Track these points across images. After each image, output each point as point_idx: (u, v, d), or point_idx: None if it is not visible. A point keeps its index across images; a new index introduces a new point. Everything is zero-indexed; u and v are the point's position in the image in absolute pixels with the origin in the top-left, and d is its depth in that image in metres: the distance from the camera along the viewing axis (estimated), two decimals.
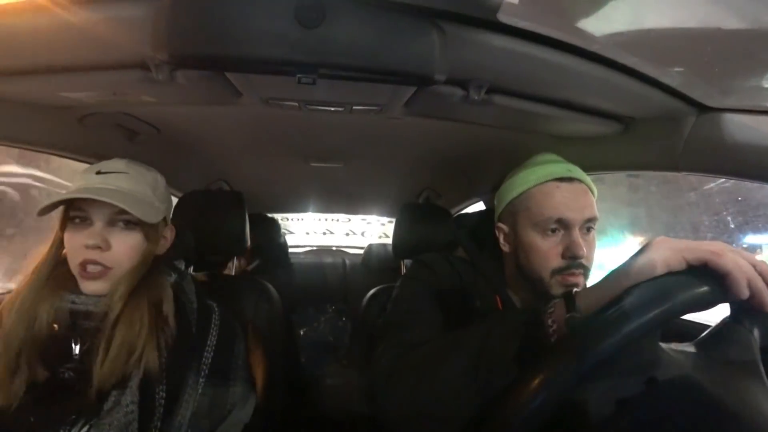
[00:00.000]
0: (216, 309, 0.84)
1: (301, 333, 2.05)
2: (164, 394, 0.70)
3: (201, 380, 0.75)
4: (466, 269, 0.87)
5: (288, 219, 3.08)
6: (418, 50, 0.62)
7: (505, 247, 0.85)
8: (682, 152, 0.83)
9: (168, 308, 0.74)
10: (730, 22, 0.56)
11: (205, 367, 0.76)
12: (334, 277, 2.47)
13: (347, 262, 2.57)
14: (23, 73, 0.77)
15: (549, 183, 0.78)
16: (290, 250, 2.50)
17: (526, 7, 0.57)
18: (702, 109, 0.80)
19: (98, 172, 0.76)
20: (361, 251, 2.68)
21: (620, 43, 0.63)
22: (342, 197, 2.32)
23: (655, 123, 0.88)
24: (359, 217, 3.06)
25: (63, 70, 0.77)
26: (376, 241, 2.76)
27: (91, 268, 0.71)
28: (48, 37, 0.66)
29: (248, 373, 0.85)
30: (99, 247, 0.71)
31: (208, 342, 0.79)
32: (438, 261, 0.88)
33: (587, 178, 0.81)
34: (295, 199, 2.40)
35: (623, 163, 1.04)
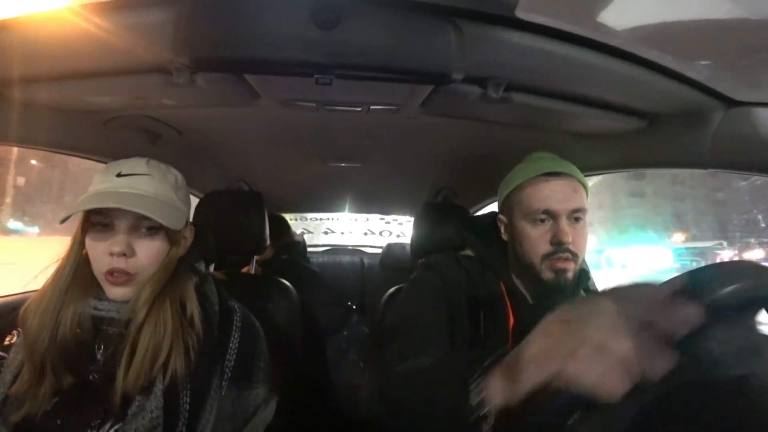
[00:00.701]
0: (237, 310, 0.83)
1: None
2: (189, 399, 0.69)
3: (224, 383, 0.74)
4: (472, 264, 0.92)
5: (306, 218, 3.11)
6: (435, 49, 0.62)
7: (505, 237, 0.92)
8: (710, 149, 0.80)
9: (193, 310, 0.74)
10: (759, 11, 0.54)
11: (227, 370, 0.76)
12: (352, 277, 2.48)
13: (365, 261, 2.57)
14: (51, 79, 0.80)
15: (538, 177, 0.85)
16: (309, 249, 2.50)
17: (545, 2, 0.56)
18: (730, 103, 0.77)
19: (119, 174, 0.73)
20: (379, 251, 2.68)
21: (642, 37, 0.61)
22: (360, 197, 2.33)
23: (681, 119, 0.86)
24: (377, 216, 3.07)
25: (88, 76, 0.79)
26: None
27: (117, 275, 0.70)
28: (74, 44, 0.68)
29: (270, 373, 0.83)
30: (124, 254, 0.69)
31: (231, 345, 0.78)
32: (444, 261, 0.94)
33: (579, 174, 0.87)
34: (313, 199, 2.41)
35: (647, 161, 1.02)
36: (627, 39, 0.62)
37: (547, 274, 0.82)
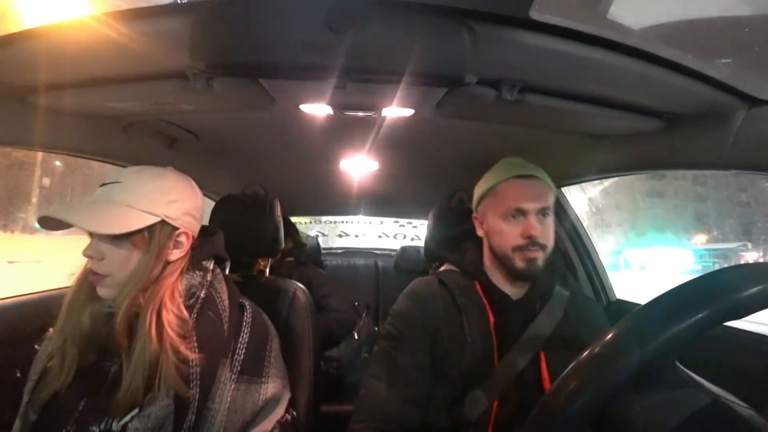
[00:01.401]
0: (248, 308, 0.86)
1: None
2: (198, 390, 0.73)
3: (233, 377, 0.78)
4: (452, 277, 1.01)
5: (321, 221, 3.12)
6: (449, 51, 0.62)
7: (480, 232, 1.01)
8: (731, 149, 0.78)
9: (178, 310, 0.76)
10: None
11: (237, 364, 0.79)
12: (366, 280, 2.48)
13: (379, 264, 2.57)
14: (74, 85, 0.82)
15: (511, 179, 0.94)
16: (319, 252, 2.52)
17: (559, 2, 0.56)
18: (752, 102, 0.75)
19: (102, 184, 0.78)
20: (393, 253, 2.68)
21: (660, 35, 0.60)
22: (374, 200, 2.33)
23: (701, 118, 0.84)
24: (391, 220, 3.07)
25: (109, 82, 0.81)
26: None
27: (92, 275, 0.75)
28: (96, 51, 0.70)
29: (282, 370, 0.86)
30: (92, 257, 0.74)
31: (240, 340, 0.81)
32: (422, 286, 1.03)
33: (546, 177, 0.96)
34: (328, 202, 2.43)
35: (666, 162, 1.00)
36: (644, 38, 0.61)
37: (520, 264, 0.91)
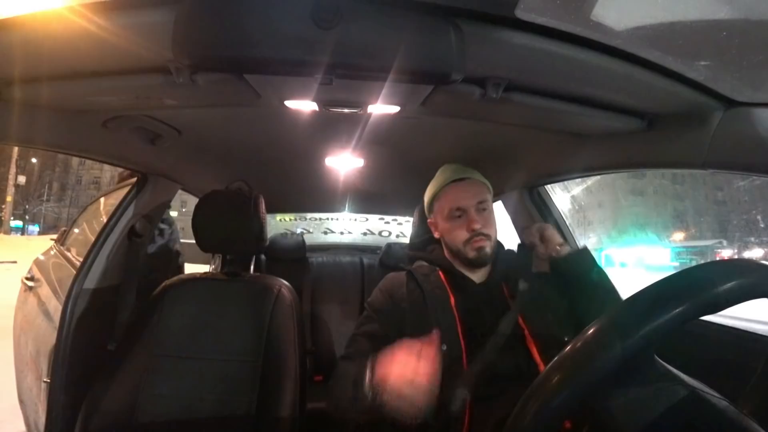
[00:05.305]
0: None
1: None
2: None
3: None
4: (417, 268, 1.14)
5: (306, 218, 3.10)
6: (435, 49, 0.62)
7: (436, 234, 1.17)
8: (709, 149, 0.80)
9: None
10: (759, 11, 0.54)
11: None
12: (352, 277, 2.47)
13: (365, 261, 2.57)
14: (51, 79, 0.80)
15: (449, 185, 1.11)
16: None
17: (545, 2, 0.56)
18: (730, 103, 0.77)
19: None
20: (379, 251, 2.67)
21: (643, 37, 0.61)
22: (360, 197, 2.32)
23: (680, 119, 0.86)
24: (376, 217, 3.06)
25: (89, 76, 0.79)
26: None
27: None
28: (74, 44, 0.68)
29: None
30: None
31: None
32: (391, 279, 1.16)
33: (480, 177, 1.13)
34: (313, 199, 2.41)
35: (646, 161, 1.02)
36: (627, 39, 0.62)
37: (472, 254, 1.06)
